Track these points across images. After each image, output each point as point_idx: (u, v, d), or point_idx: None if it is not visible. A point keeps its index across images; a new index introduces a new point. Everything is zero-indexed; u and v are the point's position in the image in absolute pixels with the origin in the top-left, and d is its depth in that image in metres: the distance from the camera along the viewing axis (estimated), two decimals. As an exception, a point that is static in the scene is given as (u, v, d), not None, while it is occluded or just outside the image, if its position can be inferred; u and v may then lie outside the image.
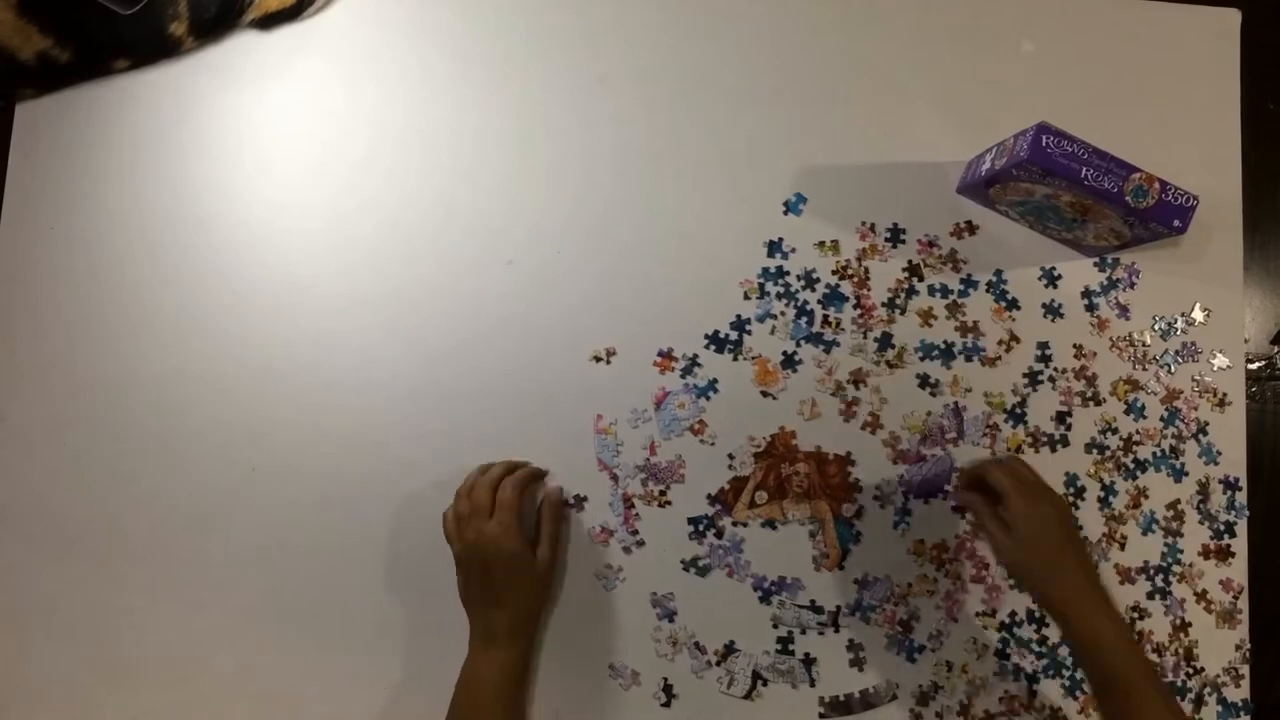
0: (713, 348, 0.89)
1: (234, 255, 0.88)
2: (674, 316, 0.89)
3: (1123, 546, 0.89)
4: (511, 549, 0.80)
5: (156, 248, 0.88)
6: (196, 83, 0.89)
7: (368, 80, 0.90)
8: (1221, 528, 0.90)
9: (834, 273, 0.90)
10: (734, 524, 0.88)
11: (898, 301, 0.90)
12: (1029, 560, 0.80)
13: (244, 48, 0.89)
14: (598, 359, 0.89)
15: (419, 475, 0.87)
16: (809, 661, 0.87)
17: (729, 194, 0.91)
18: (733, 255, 0.90)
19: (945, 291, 0.91)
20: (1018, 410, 0.90)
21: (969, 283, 0.91)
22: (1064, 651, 0.88)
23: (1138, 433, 0.90)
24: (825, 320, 0.90)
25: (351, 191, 0.89)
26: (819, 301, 0.90)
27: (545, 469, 0.87)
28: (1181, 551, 0.90)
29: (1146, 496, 0.90)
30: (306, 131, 0.90)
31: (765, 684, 0.86)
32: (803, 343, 0.89)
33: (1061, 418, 0.90)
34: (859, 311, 0.90)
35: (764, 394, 0.89)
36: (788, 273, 0.90)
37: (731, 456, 0.88)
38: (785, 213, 0.91)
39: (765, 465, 0.88)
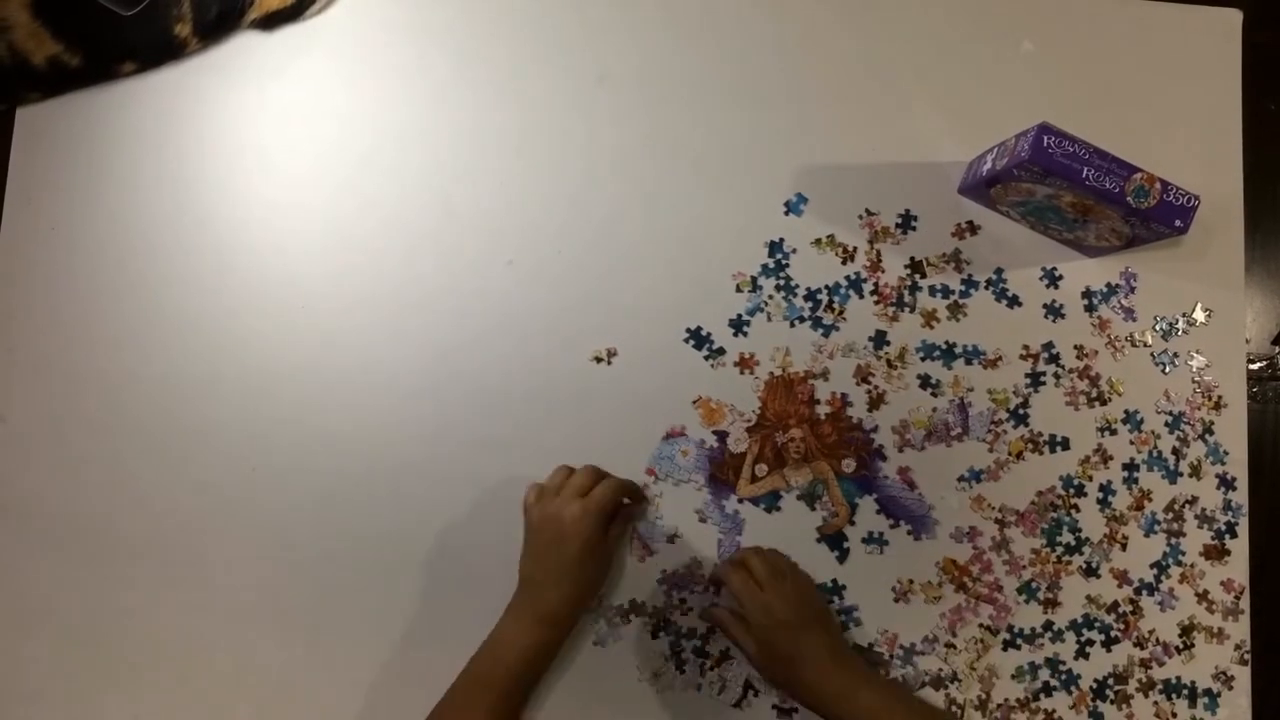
0: (691, 342, 0.89)
1: (234, 255, 0.88)
2: (675, 317, 0.89)
3: (1124, 547, 0.89)
4: (589, 534, 0.79)
5: (157, 248, 0.88)
6: (197, 83, 0.89)
7: (368, 80, 0.90)
8: (1223, 528, 0.90)
9: (843, 261, 0.90)
10: (740, 501, 0.88)
11: (905, 299, 0.90)
12: (770, 661, 0.78)
13: (245, 48, 0.89)
14: (598, 359, 0.89)
15: (419, 475, 0.87)
16: None
17: (730, 194, 0.91)
18: (733, 255, 0.90)
19: (946, 292, 0.91)
20: (1020, 411, 0.90)
21: (970, 283, 0.91)
22: (1058, 650, 0.88)
23: (1139, 433, 0.90)
24: (829, 305, 0.90)
25: (352, 191, 0.89)
26: (825, 289, 0.90)
27: (642, 490, 0.87)
28: (1183, 552, 0.90)
29: (1150, 499, 0.90)
30: (307, 131, 0.90)
31: (756, 694, 0.86)
32: (796, 323, 0.89)
33: (1064, 418, 0.90)
34: (876, 297, 0.90)
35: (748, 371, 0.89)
36: (787, 265, 0.90)
37: (725, 435, 0.88)
38: (786, 213, 0.91)
39: (759, 438, 0.88)
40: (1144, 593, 0.89)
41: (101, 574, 0.85)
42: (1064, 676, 0.87)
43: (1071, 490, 0.89)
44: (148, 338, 0.87)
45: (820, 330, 0.90)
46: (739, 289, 0.90)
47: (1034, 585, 0.88)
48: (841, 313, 0.90)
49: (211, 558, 0.86)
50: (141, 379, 0.87)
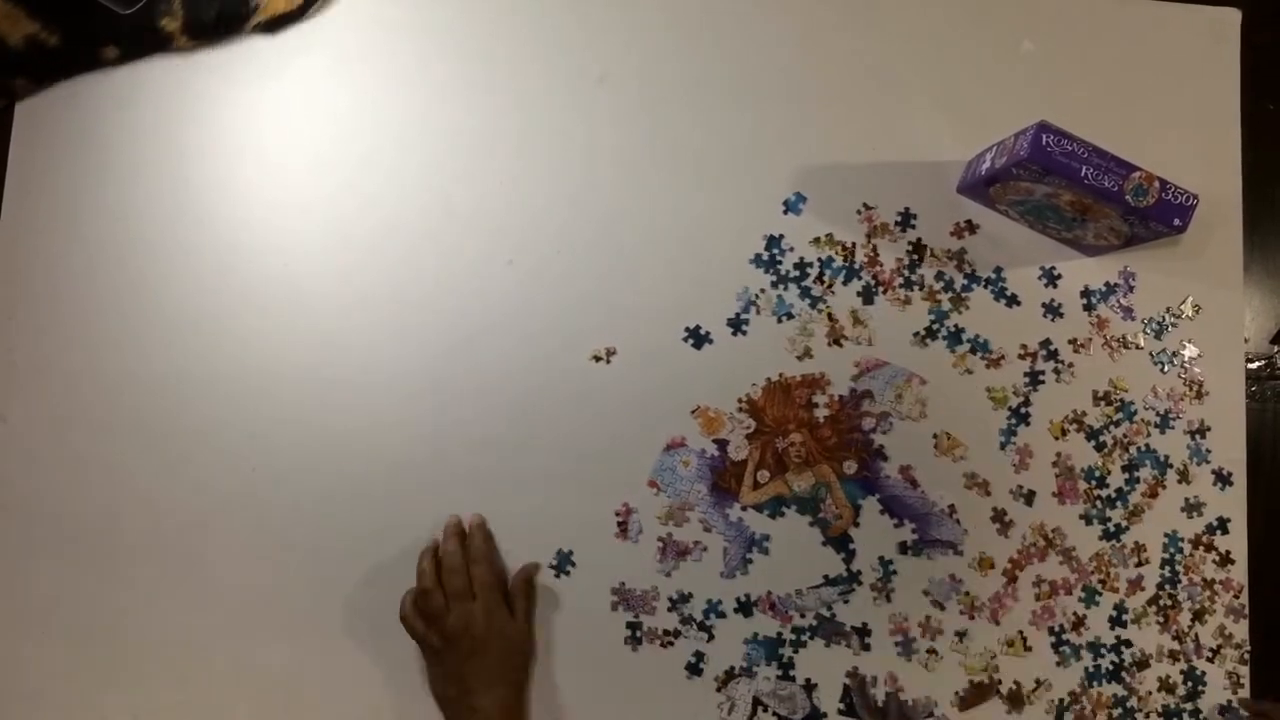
0: (691, 341, 0.89)
1: (234, 255, 0.88)
2: (674, 316, 0.89)
3: (1130, 546, 0.89)
4: (503, 626, 0.79)
5: (156, 247, 0.88)
6: (197, 82, 0.89)
7: (368, 80, 0.90)
8: (1214, 524, 0.90)
9: (844, 259, 0.90)
10: (743, 509, 0.88)
11: (912, 279, 0.90)
12: None
13: (245, 47, 0.89)
14: (597, 359, 0.89)
15: (419, 475, 0.87)
16: (810, 687, 0.86)
17: (729, 193, 0.91)
18: (733, 255, 0.90)
19: (948, 286, 0.91)
20: (1022, 410, 0.90)
21: (972, 278, 0.91)
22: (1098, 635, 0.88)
23: (1133, 433, 0.90)
24: (820, 277, 0.90)
25: (351, 191, 0.89)
26: (818, 261, 0.90)
27: (482, 518, 0.86)
28: (1183, 552, 0.90)
29: (1156, 496, 0.90)
30: (306, 131, 0.90)
31: (765, 709, 0.86)
32: (783, 319, 0.90)
33: (1063, 417, 0.90)
34: (880, 287, 0.90)
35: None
36: (780, 261, 0.90)
37: (725, 443, 0.88)
38: (785, 212, 0.91)
39: (760, 443, 0.88)
40: (1151, 591, 0.89)
41: (101, 574, 0.85)
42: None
43: (1093, 483, 0.90)
44: (148, 337, 0.87)
45: (808, 300, 0.89)
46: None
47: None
48: (831, 285, 0.90)
49: (211, 558, 0.86)
50: (141, 379, 0.87)
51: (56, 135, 0.88)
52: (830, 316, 0.89)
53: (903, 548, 0.88)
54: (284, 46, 0.90)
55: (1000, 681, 0.87)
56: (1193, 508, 0.90)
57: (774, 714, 0.86)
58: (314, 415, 0.87)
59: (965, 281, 0.91)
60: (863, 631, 0.87)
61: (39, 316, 0.87)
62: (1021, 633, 0.88)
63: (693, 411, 0.88)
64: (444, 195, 0.89)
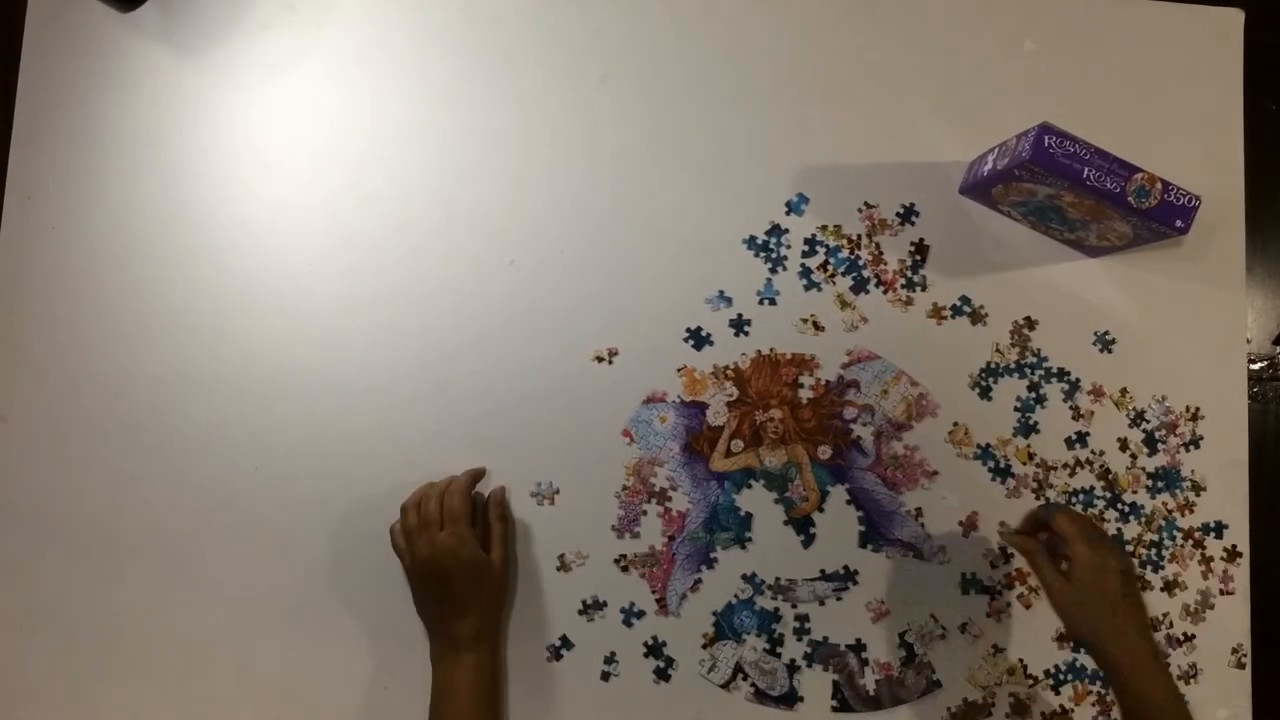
0: (692, 342, 0.89)
1: (234, 255, 0.88)
2: (676, 317, 0.89)
3: (1134, 552, 0.89)
4: (469, 557, 0.80)
5: (157, 248, 0.88)
6: (197, 83, 0.89)
7: (368, 80, 0.90)
8: (1215, 525, 0.90)
9: (849, 249, 0.90)
10: (711, 473, 0.88)
11: (915, 279, 0.90)
12: (1087, 610, 0.76)
13: (245, 48, 0.89)
14: (600, 359, 0.89)
15: (420, 475, 0.86)
16: (793, 668, 0.86)
17: (731, 194, 0.91)
18: (735, 255, 0.90)
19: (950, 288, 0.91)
20: (1027, 419, 0.90)
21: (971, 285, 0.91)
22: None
23: (1131, 438, 0.90)
24: (825, 265, 0.90)
25: (352, 191, 0.89)
26: (822, 266, 0.90)
27: (483, 468, 0.86)
28: (1183, 551, 0.90)
29: (1155, 499, 0.90)
30: (307, 131, 0.89)
31: (745, 678, 0.86)
32: (766, 303, 0.90)
33: (1065, 420, 0.90)
34: (882, 287, 0.90)
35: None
36: (776, 249, 0.90)
37: (705, 407, 0.88)
38: (788, 213, 0.91)
39: (739, 414, 0.88)
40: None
41: (101, 574, 0.85)
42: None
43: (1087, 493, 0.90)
44: (148, 338, 0.87)
45: (804, 281, 0.90)
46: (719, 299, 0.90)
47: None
48: (833, 276, 0.90)
49: (212, 558, 0.86)
50: (142, 379, 0.87)
51: (56, 135, 0.88)
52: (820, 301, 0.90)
53: (862, 540, 0.88)
54: (284, 47, 0.90)
55: (994, 705, 0.87)
56: (1193, 508, 0.90)
57: (752, 684, 0.86)
58: (315, 416, 0.87)
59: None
60: (858, 648, 0.87)
61: (39, 317, 0.87)
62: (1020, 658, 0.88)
63: (679, 370, 0.88)
64: (445, 195, 0.89)
